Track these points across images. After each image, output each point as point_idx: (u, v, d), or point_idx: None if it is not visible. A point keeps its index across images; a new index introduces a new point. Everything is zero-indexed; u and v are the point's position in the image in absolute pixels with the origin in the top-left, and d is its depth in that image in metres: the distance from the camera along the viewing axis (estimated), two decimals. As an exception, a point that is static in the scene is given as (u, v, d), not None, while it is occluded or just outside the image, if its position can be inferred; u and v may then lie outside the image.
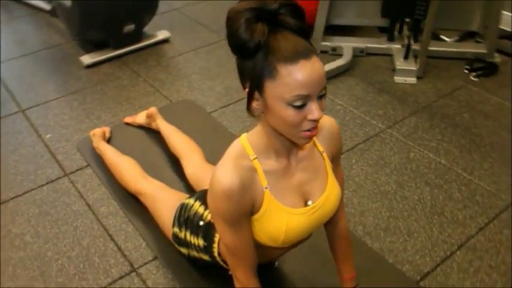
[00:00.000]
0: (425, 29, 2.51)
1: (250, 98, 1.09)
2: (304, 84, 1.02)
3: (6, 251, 1.74)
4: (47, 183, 2.03)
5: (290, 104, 1.04)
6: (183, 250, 1.57)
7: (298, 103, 1.03)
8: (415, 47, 2.64)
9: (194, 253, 1.53)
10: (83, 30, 2.71)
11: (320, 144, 1.28)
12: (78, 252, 1.74)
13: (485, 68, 2.65)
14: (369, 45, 2.83)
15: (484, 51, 2.73)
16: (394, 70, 2.65)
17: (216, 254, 1.44)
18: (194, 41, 3.02)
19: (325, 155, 1.29)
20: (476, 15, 2.76)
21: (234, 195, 1.14)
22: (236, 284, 1.31)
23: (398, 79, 2.61)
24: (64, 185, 2.02)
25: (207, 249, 1.46)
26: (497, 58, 2.74)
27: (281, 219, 1.22)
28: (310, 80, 1.02)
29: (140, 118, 2.29)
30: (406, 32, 2.71)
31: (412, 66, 2.61)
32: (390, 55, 2.80)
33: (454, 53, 2.76)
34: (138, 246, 1.76)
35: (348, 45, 2.81)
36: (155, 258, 1.71)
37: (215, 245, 1.43)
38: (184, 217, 1.53)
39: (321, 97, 1.07)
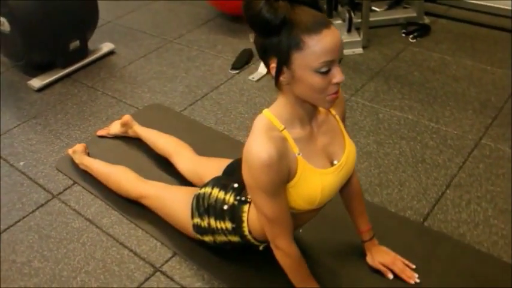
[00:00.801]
0: (364, 1, 2.70)
1: (278, 73, 1.17)
2: (328, 51, 1.12)
3: (17, 281, 1.68)
4: (37, 208, 1.97)
5: (317, 71, 1.13)
6: (208, 238, 1.61)
7: (324, 69, 1.13)
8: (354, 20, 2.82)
9: (221, 238, 1.57)
10: (28, 53, 2.62)
11: (331, 109, 1.38)
12: (94, 266, 1.71)
13: (419, 30, 2.89)
14: (311, 25, 2.97)
15: (414, 14, 2.97)
16: (341, 44, 2.81)
17: (246, 232, 1.49)
18: (139, 48, 3.01)
19: (337, 117, 1.40)
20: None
21: (273, 165, 1.22)
22: (278, 253, 1.38)
23: (346, 51, 2.78)
24: (56, 206, 1.97)
25: (236, 230, 1.51)
26: (426, 20, 2.99)
27: (316, 181, 1.31)
28: (334, 47, 1.13)
29: (114, 128, 2.27)
30: (341, 8, 2.88)
31: (356, 37, 2.79)
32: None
33: (389, 21, 2.98)
34: (154, 247, 1.76)
35: (292, 28, 2.93)
36: (174, 254, 1.73)
37: (244, 224, 1.49)
38: (204, 206, 1.57)
39: (339, 62, 1.17)
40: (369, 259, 1.61)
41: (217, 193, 1.55)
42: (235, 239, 1.54)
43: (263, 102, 2.45)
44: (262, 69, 2.66)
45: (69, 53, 2.71)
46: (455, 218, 1.77)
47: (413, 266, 1.58)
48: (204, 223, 1.58)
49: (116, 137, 2.26)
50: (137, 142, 2.20)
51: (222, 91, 2.57)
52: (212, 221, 1.56)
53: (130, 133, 2.22)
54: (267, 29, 1.13)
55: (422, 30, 2.88)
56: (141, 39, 3.12)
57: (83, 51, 2.80)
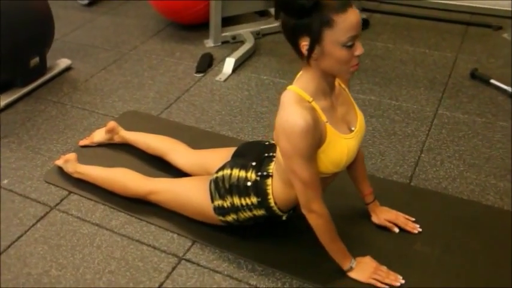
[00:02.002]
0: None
1: (311, 50, 1.32)
2: (353, 27, 1.30)
3: (39, 291, 1.67)
4: (38, 220, 1.94)
5: (344, 45, 1.30)
6: (231, 217, 1.70)
7: (350, 43, 1.31)
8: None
9: (246, 214, 1.67)
10: (-14, 73, 2.55)
11: (341, 83, 1.56)
12: (116, 265, 1.74)
13: (360, 24, 3.17)
14: (262, 27, 3.16)
15: (353, 11, 3.26)
16: (293, 42, 3.01)
17: (272, 203, 1.62)
18: (96, 62, 3.01)
19: (347, 90, 1.57)
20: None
21: (310, 130, 1.37)
22: (311, 217, 1.51)
23: (300, 48, 2.98)
24: (58, 216, 1.96)
25: (262, 203, 1.63)
26: (363, 15, 3.28)
27: (342, 145, 1.47)
28: (357, 23, 1.31)
29: (98, 136, 2.28)
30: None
31: (307, 34, 3.00)
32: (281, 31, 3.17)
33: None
34: (171, 239, 1.82)
35: (245, 31, 3.10)
36: (194, 242, 1.80)
37: (270, 197, 1.61)
38: (225, 187, 1.67)
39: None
40: (374, 218, 1.80)
41: (237, 173, 1.66)
42: (260, 212, 1.66)
43: (236, 99, 2.59)
44: (227, 69, 2.79)
45: (29, 70, 2.66)
46: (435, 176, 2.02)
47: (413, 219, 1.79)
48: (227, 203, 1.68)
49: (100, 145, 2.28)
50: (124, 147, 2.23)
51: (193, 93, 2.67)
52: (236, 200, 1.66)
53: (116, 139, 2.25)
54: (301, 11, 1.28)
55: (362, 25, 3.16)
56: (95, 53, 3.12)
57: (42, 68, 2.76)
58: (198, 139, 2.26)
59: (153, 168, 2.10)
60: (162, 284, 1.67)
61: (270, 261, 1.71)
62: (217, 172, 1.73)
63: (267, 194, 1.62)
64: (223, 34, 3.09)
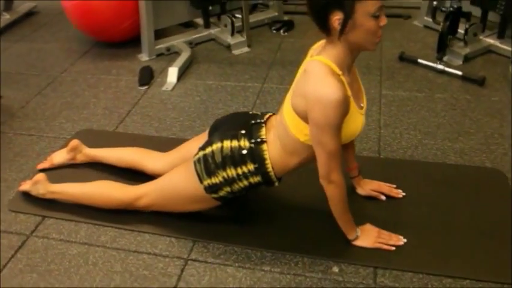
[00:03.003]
0: (244, 6, 3.02)
1: (345, 23, 1.40)
2: None
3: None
4: (16, 251, 1.79)
5: (373, 15, 1.41)
6: (224, 191, 1.70)
7: (377, 13, 1.42)
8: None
9: (241, 183, 1.68)
10: None
11: None
12: (121, 278, 1.66)
13: (285, 25, 3.33)
14: (193, 36, 3.19)
15: (276, 14, 3.42)
16: (228, 47, 3.08)
17: (270, 168, 1.65)
18: (28, 88, 2.83)
19: (355, 68, 1.67)
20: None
21: (343, 101, 1.45)
22: (330, 187, 1.58)
23: (236, 52, 3.06)
24: (38, 243, 1.82)
25: (260, 168, 1.65)
26: (286, 17, 3.45)
27: (358, 119, 1.58)
28: None
29: (59, 157, 2.15)
30: (223, 15, 3.16)
31: (240, 39, 3.09)
32: (212, 39, 3.23)
33: (256, 22, 3.36)
34: (170, 244, 1.78)
35: (179, 41, 3.11)
36: (194, 242, 1.78)
37: (267, 161, 1.65)
38: (216, 162, 1.66)
39: None
40: (359, 190, 1.92)
41: (230, 144, 1.67)
42: (256, 179, 1.67)
43: (189, 106, 2.58)
44: (171, 78, 2.78)
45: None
46: (399, 147, 2.18)
47: (395, 185, 1.93)
48: (219, 178, 1.67)
49: (61, 167, 2.15)
50: (89, 166, 2.13)
51: (143, 105, 2.62)
52: (231, 171, 1.65)
53: (79, 158, 2.14)
54: None
55: (288, 25, 3.33)
56: (24, 80, 2.93)
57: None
58: (165, 147, 2.19)
59: (128, 180, 2.00)
60: (175, 287, 1.63)
61: (277, 246, 1.75)
62: (202, 149, 1.72)
63: (264, 160, 1.65)
64: (157, 47, 3.08)
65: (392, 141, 2.22)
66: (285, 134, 1.63)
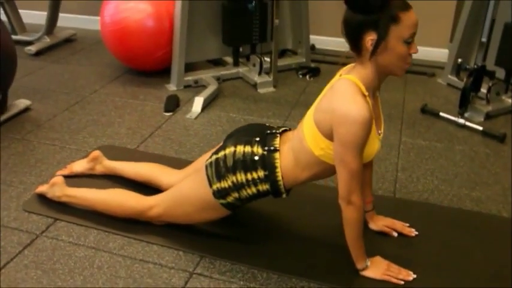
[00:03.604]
0: (273, 50, 3.14)
1: (377, 44, 1.45)
2: (415, 24, 1.47)
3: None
4: (24, 248, 1.80)
5: (405, 41, 1.46)
6: (232, 197, 1.70)
7: (410, 39, 1.47)
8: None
9: (249, 191, 1.68)
10: None
11: None
12: (124, 283, 1.65)
13: (312, 71, 3.41)
14: (222, 72, 3.29)
15: (303, 60, 3.52)
16: (255, 85, 3.16)
17: (280, 177, 1.66)
18: (56, 104, 2.93)
19: (379, 98, 1.70)
20: (289, 37, 3.55)
21: (369, 121, 1.48)
22: (349, 209, 1.57)
23: (262, 90, 3.14)
24: (47, 242, 1.83)
25: (269, 176, 1.66)
26: (313, 64, 3.54)
27: (375, 143, 1.60)
28: (417, 22, 1.48)
29: (79, 166, 2.20)
30: (253, 55, 3.27)
31: (267, 79, 3.18)
32: (239, 77, 3.33)
33: (284, 66, 3.45)
34: (177, 257, 1.77)
35: (207, 76, 3.21)
36: (202, 257, 1.77)
37: (278, 170, 1.65)
38: (227, 166, 1.68)
39: None
40: (372, 225, 1.90)
41: (243, 148, 1.69)
42: (265, 187, 1.67)
43: (211, 134, 2.63)
44: (196, 108, 2.84)
45: (-10, 106, 2.54)
46: (415, 190, 2.17)
47: (408, 224, 1.91)
48: (228, 183, 1.68)
49: (79, 176, 2.18)
50: (107, 177, 2.16)
51: (166, 129, 2.67)
52: (241, 176, 1.66)
53: (98, 169, 2.18)
54: (372, 8, 1.42)
55: (314, 72, 3.41)
56: (54, 96, 3.04)
57: (3, 105, 2.63)
58: (182, 168, 2.25)
59: (144, 193, 2.02)
60: (177, 297, 1.61)
61: (284, 268, 1.73)
62: (215, 153, 1.74)
63: (275, 168, 1.66)
64: (186, 78, 3.18)
65: (408, 184, 2.21)
66: (299, 147, 1.65)
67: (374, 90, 1.59)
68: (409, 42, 1.47)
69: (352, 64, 1.59)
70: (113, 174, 2.17)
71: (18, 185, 2.16)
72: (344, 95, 1.50)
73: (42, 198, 2.05)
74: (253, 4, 3.13)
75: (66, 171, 2.20)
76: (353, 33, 1.50)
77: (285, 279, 1.68)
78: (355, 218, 1.58)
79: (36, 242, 1.84)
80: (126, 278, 1.68)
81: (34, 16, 4.18)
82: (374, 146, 1.60)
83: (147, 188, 2.04)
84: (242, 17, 3.17)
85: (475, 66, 2.74)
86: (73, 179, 2.17)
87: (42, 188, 2.03)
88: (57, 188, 1.99)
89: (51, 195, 2.00)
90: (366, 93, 1.52)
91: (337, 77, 1.62)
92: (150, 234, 1.86)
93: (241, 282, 1.67)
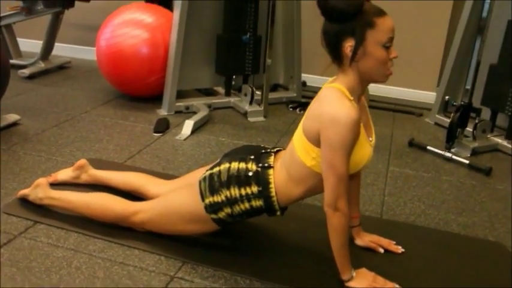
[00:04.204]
0: (265, 82, 3.20)
1: (355, 49, 1.49)
2: (391, 29, 1.51)
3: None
4: (0, 247, 1.74)
5: (384, 45, 1.49)
6: (224, 212, 1.68)
7: (388, 44, 1.50)
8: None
9: (242, 206, 1.66)
10: None
11: (364, 99, 1.71)
12: (102, 283, 1.59)
13: (302, 105, 3.46)
14: (213, 101, 3.33)
15: (294, 94, 3.58)
16: (245, 114, 3.19)
17: (273, 193, 1.64)
18: (46, 121, 2.92)
19: (367, 107, 1.72)
20: (281, 72, 3.64)
21: (357, 123, 1.50)
22: (335, 216, 1.55)
23: (252, 119, 3.16)
24: (24, 243, 1.77)
25: (263, 192, 1.64)
26: (303, 100, 3.60)
27: (366, 149, 1.60)
28: (393, 27, 1.51)
29: (64, 174, 2.16)
30: (244, 85, 3.32)
31: (258, 108, 3.21)
32: (231, 107, 3.36)
33: (275, 99, 3.50)
34: (159, 261, 1.72)
35: (198, 102, 3.24)
36: (184, 263, 1.72)
37: (272, 186, 1.64)
38: (221, 181, 1.67)
39: None
40: (358, 241, 1.87)
41: (237, 165, 1.68)
42: (258, 203, 1.66)
43: (199, 154, 2.63)
44: (186, 130, 2.85)
45: (-21, 116, 2.52)
46: (402, 213, 2.16)
47: (394, 242, 1.88)
48: (221, 197, 1.66)
49: (63, 184, 2.15)
50: (91, 186, 2.12)
51: (155, 148, 2.67)
52: (234, 191, 1.65)
53: (84, 178, 2.15)
54: (347, 16, 1.46)
55: (305, 106, 3.45)
56: (44, 114, 3.03)
57: (-8, 117, 2.63)
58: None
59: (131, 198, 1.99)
60: (156, 299, 1.55)
61: (268, 276, 1.68)
62: (210, 169, 1.74)
63: (268, 183, 1.64)
64: (177, 104, 3.21)
65: (395, 208, 2.21)
66: (291, 160, 1.65)
67: (359, 95, 1.61)
68: (387, 46, 1.51)
69: (334, 77, 1.63)
70: (98, 183, 2.13)
71: (1, 190, 2.12)
72: (330, 101, 1.53)
73: (24, 202, 2.00)
74: (248, 36, 3.23)
75: (50, 179, 2.14)
76: (332, 43, 1.53)
77: (268, 287, 1.63)
78: (341, 224, 1.56)
79: (13, 241, 1.78)
80: (104, 279, 1.61)
81: (31, 45, 4.25)
82: (365, 150, 1.60)
83: (132, 197, 2.01)
84: (236, 48, 3.26)
85: (462, 103, 2.81)
86: (57, 186, 2.13)
87: (24, 191, 1.99)
88: (40, 190, 1.95)
89: (33, 197, 1.95)
90: (351, 98, 1.54)
91: (322, 89, 1.65)
92: (131, 239, 1.81)
93: (224, 287, 1.62)
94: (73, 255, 1.73)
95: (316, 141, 1.56)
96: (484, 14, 2.81)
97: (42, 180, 1.97)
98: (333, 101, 1.52)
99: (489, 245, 1.97)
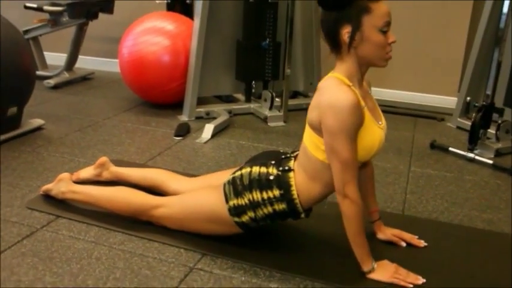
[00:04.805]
0: (285, 87, 3.22)
1: (353, 35, 1.49)
2: (387, 14, 1.51)
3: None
4: (23, 238, 1.77)
5: (381, 30, 1.50)
6: (247, 216, 1.68)
7: (385, 28, 1.50)
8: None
9: (265, 210, 1.66)
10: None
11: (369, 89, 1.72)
12: (122, 273, 1.60)
13: (322, 112, 3.46)
14: (233, 107, 3.35)
15: (314, 102, 3.57)
16: (265, 119, 3.21)
17: (295, 195, 1.64)
18: (69, 126, 2.98)
19: (370, 90, 1.72)
20: (301, 80, 3.65)
21: (356, 107, 1.49)
22: (345, 203, 1.54)
23: (272, 124, 3.17)
24: (47, 235, 1.80)
25: (285, 195, 1.64)
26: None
27: (376, 132, 1.58)
28: (388, 11, 1.52)
29: (86, 172, 2.19)
30: (265, 91, 3.34)
31: (277, 113, 3.22)
32: (251, 113, 3.38)
33: (296, 106, 3.50)
34: (178, 253, 1.73)
35: (219, 108, 3.27)
36: (203, 255, 1.72)
37: (293, 188, 1.64)
38: (244, 184, 1.67)
39: None
40: (380, 235, 1.85)
41: (258, 169, 1.69)
42: (281, 206, 1.65)
43: (220, 156, 2.64)
44: (206, 134, 2.87)
45: (5, 119, 2.58)
46: (424, 210, 2.13)
47: (417, 236, 1.85)
48: (244, 200, 1.66)
49: (86, 182, 2.17)
50: (112, 183, 2.14)
51: (175, 150, 2.69)
52: (256, 194, 1.65)
53: (105, 175, 2.18)
54: (342, 3, 1.47)
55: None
56: (68, 120, 3.10)
57: (18, 120, 2.69)
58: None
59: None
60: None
61: (288, 267, 1.67)
62: (233, 174, 1.74)
63: (289, 186, 1.64)
64: (197, 110, 3.24)
65: (417, 205, 2.17)
66: (305, 158, 1.65)
67: (359, 80, 1.60)
68: (384, 31, 1.51)
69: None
70: (119, 180, 2.15)
71: (23, 187, 2.16)
72: (328, 89, 1.53)
73: (47, 197, 2.04)
74: (267, 42, 3.25)
75: (73, 177, 2.18)
76: (330, 31, 1.54)
77: (288, 278, 1.61)
78: (351, 212, 1.54)
79: (36, 234, 1.81)
80: (124, 269, 1.62)
81: (57, 58, 4.35)
82: (374, 134, 1.58)
83: (153, 193, 2.01)
84: (256, 54, 3.29)
85: (484, 103, 2.77)
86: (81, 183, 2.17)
87: (47, 186, 2.03)
88: (62, 184, 1.98)
89: (55, 191, 1.99)
90: (350, 84, 1.54)
91: (321, 80, 1.64)
92: (151, 232, 1.82)
93: (243, 278, 1.60)
94: (93, 247, 1.74)
95: (321, 132, 1.56)
96: (502, 25, 2.82)
97: (65, 175, 2.01)
98: (330, 88, 1.53)
99: (515, 240, 1.93)
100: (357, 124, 1.51)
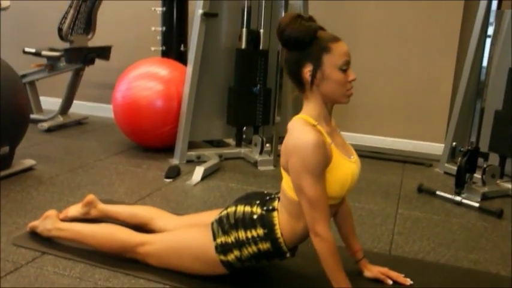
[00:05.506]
0: (274, 134, 3.27)
1: (314, 73, 1.56)
2: (346, 53, 1.58)
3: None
4: (6, 274, 1.76)
5: (340, 68, 1.56)
6: (233, 255, 1.68)
7: (344, 67, 1.57)
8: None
9: (250, 249, 1.67)
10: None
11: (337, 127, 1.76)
12: (104, 308, 1.58)
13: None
14: (224, 151, 3.40)
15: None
16: (255, 163, 3.24)
17: (279, 234, 1.65)
18: (61, 166, 3.00)
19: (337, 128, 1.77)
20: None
21: (321, 146, 1.53)
22: (316, 240, 1.57)
23: (262, 168, 3.21)
24: (32, 270, 1.79)
25: (269, 234, 1.65)
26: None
27: (346, 167, 1.62)
28: (348, 51, 1.59)
29: (73, 210, 2.19)
30: (255, 136, 3.39)
31: (267, 157, 3.26)
32: (241, 158, 3.42)
33: (285, 151, 3.55)
34: (163, 289, 1.71)
35: (209, 152, 3.31)
36: (189, 291, 1.70)
37: (277, 227, 1.65)
38: (230, 223, 1.69)
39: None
40: (367, 273, 1.85)
41: (243, 208, 1.71)
42: (265, 245, 1.66)
43: (209, 197, 2.65)
44: (196, 176, 2.89)
45: (-4, 159, 2.61)
46: (411, 250, 2.13)
47: (403, 274, 1.85)
48: (231, 238, 1.68)
49: (74, 220, 2.17)
50: (100, 221, 2.14)
51: (165, 191, 2.71)
52: (241, 233, 1.67)
53: (93, 213, 2.18)
54: (303, 44, 1.55)
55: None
56: (59, 161, 3.13)
57: (9, 159, 2.71)
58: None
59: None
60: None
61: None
62: (220, 213, 1.76)
63: (273, 225, 1.65)
64: (188, 153, 3.28)
65: (404, 245, 2.18)
66: (285, 199, 1.68)
67: (325, 117, 1.64)
68: (344, 69, 1.57)
69: None
70: (107, 217, 2.16)
71: (10, 224, 2.15)
72: (293, 130, 1.59)
73: (33, 234, 2.04)
74: (258, 88, 3.34)
75: (61, 216, 2.18)
76: (293, 70, 1.60)
77: (273, 314, 1.61)
78: (324, 249, 1.56)
79: (20, 269, 1.80)
80: (108, 304, 1.61)
81: (52, 102, 4.42)
82: (346, 169, 1.61)
83: (141, 230, 2.02)
84: (247, 100, 3.37)
85: (469, 148, 2.83)
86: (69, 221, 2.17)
87: (33, 223, 2.03)
88: (49, 221, 1.98)
89: (41, 228, 1.99)
90: (315, 123, 1.59)
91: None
92: (136, 269, 1.81)
93: (228, 314, 1.60)
94: (78, 283, 1.73)
95: None
96: (482, 78, 2.97)
97: (52, 212, 2.01)
98: (295, 129, 1.58)
99: (501, 279, 1.92)
100: (322, 162, 1.54)
